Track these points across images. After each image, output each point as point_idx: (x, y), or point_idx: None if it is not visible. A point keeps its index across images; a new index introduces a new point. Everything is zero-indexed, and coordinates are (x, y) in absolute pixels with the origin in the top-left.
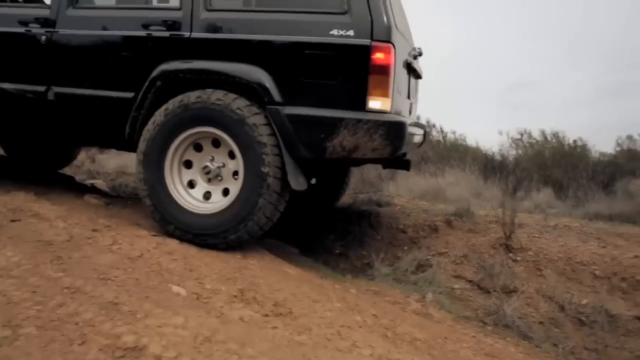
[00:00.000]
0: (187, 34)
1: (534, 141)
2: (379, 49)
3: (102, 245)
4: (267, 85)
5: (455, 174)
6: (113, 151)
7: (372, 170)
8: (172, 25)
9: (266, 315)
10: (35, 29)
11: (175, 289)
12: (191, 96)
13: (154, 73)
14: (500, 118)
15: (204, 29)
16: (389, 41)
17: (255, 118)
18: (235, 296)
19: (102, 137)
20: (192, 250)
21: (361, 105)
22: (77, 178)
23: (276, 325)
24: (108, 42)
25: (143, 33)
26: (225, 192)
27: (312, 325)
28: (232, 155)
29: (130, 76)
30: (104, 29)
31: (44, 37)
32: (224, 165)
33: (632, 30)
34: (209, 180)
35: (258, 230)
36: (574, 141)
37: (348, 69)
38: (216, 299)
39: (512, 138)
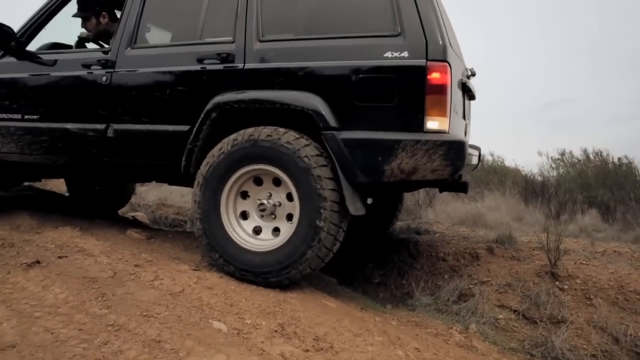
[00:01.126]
0: (240, 65)
1: (576, 160)
2: (435, 69)
3: (144, 281)
4: (322, 111)
5: (495, 198)
6: (153, 183)
7: (410, 197)
8: (226, 57)
9: (307, 351)
10: (97, 70)
11: (216, 324)
12: (262, 133)
13: (209, 105)
14: (540, 138)
15: (257, 59)
16: (444, 60)
17: (322, 170)
18: (276, 331)
19: (157, 171)
20: (232, 285)
21: (419, 126)
22: (120, 211)
23: None
24: (164, 78)
25: (198, 67)
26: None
27: None
28: (289, 198)
29: (186, 109)
30: (160, 65)
31: (104, 78)
32: (280, 205)
33: None
34: (262, 217)
35: (320, 263)
36: (619, 159)
37: (404, 90)
38: (257, 334)
39: (552, 158)
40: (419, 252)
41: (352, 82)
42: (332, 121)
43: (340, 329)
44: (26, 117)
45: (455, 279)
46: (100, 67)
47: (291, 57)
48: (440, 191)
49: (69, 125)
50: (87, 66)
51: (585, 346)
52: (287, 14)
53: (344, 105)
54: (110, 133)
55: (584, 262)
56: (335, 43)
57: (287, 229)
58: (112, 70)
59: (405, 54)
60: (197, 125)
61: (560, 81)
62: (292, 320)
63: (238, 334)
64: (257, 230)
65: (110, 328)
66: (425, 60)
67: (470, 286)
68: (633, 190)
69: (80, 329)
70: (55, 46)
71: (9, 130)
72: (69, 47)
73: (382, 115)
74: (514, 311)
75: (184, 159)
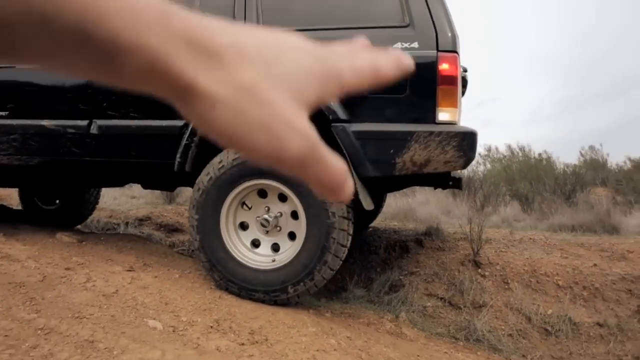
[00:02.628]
0: None
1: (502, 156)
2: (446, 60)
3: (76, 283)
4: (331, 103)
5: (426, 193)
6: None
7: None
8: None
9: (242, 344)
10: None
11: (152, 322)
12: None
13: None
14: None
15: None
16: (455, 51)
17: None
18: (212, 327)
19: (146, 171)
20: (167, 284)
21: (431, 118)
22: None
23: (252, 354)
24: None
25: None
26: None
27: (288, 351)
28: (294, 216)
29: None
30: None
31: None
32: (281, 215)
33: (586, 46)
34: (267, 232)
35: (331, 272)
36: (539, 154)
37: (415, 82)
38: (192, 330)
39: (479, 154)
40: (352, 246)
41: None
42: (341, 113)
43: (275, 322)
44: None
45: (386, 271)
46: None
47: None
48: (435, 188)
49: (45, 122)
50: None
51: (503, 327)
52: (289, 6)
53: (353, 98)
54: (93, 130)
55: (503, 250)
56: (343, 34)
57: (289, 247)
58: None
59: (416, 44)
60: None
61: (492, 81)
62: (228, 315)
63: (174, 331)
64: (256, 244)
65: (39, 332)
66: (436, 51)
67: (401, 277)
68: (549, 183)
69: (6, 335)
70: None
71: None
72: None
73: (393, 107)
74: (441, 299)
75: (178, 156)
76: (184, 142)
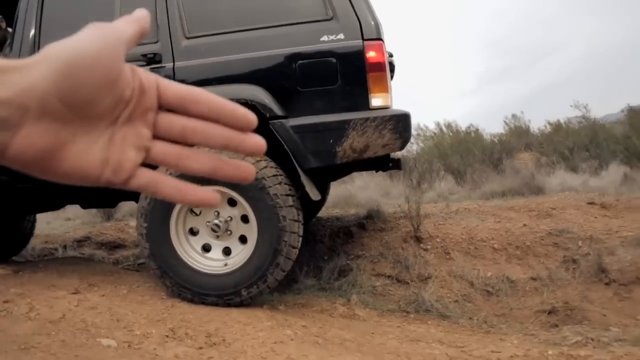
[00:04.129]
0: (169, 65)
1: (432, 134)
2: (372, 47)
3: (18, 314)
4: (266, 101)
5: (364, 178)
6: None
7: None
8: (153, 58)
9: (200, 348)
10: None
11: (105, 341)
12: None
13: None
14: None
15: (186, 56)
16: (379, 38)
17: (279, 189)
18: (167, 336)
19: (88, 190)
20: (116, 301)
21: (364, 105)
22: None
23: (212, 356)
24: None
25: None
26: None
27: (247, 347)
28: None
29: None
30: None
31: None
32: (230, 219)
33: (496, 22)
34: (217, 237)
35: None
36: (467, 128)
37: (345, 72)
38: (148, 342)
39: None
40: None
41: (292, 70)
42: (278, 110)
43: (230, 322)
44: None
45: (334, 258)
46: None
47: (225, 50)
48: (377, 171)
49: None
50: None
51: (448, 295)
52: (212, 7)
53: (287, 93)
54: None
55: (441, 222)
56: (269, 32)
57: (241, 250)
58: None
59: (342, 36)
60: None
61: (418, 64)
62: (182, 322)
63: (129, 346)
64: (207, 249)
65: None
66: (361, 41)
67: (348, 262)
68: (478, 154)
69: None
70: None
71: None
72: None
73: (327, 98)
74: (388, 277)
75: None
76: None
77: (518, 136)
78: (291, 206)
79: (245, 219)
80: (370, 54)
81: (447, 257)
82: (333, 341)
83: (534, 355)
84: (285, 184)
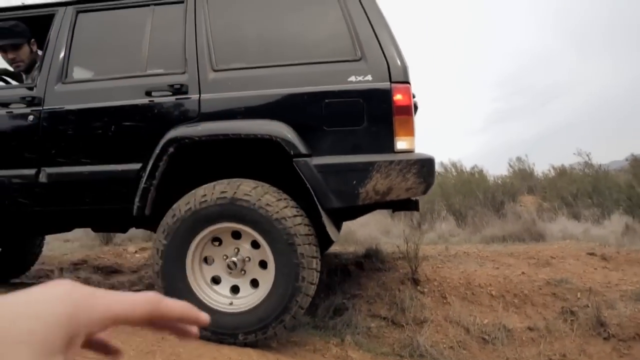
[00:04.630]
0: (195, 96)
1: (437, 173)
2: (400, 91)
3: None
4: (291, 139)
5: (365, 216)
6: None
7: None
8: (179, 89)
9: None
10: (20, 108)
11: None
12: (239, 191)
13: (165, 140)
14: None
15: (213, 89)
16: (407, 82)
17: (300, 229)
18: None
19: (102, 217)
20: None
21: (389, 147)
22: None
23: None
24: (108, 114)
25: (146, 100)
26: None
27: None
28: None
29: (136, 146)
30: (101, 100)
31: (30, 117)
32: (249, 259)
33: (504, 63)
34: (230, 274)
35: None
36: (471, 168)
37: (371, 114)
38: None
39: None
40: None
41: (318, 108)
42: (302, 148)
43: (220, 358)
44: None
45: (330, 296)
46: (24, 105)
47: (252, 85)
48: (394, 211)
49: None
50: (5, 105)
51: (444, 340)
52: (242, 41)
53: (312, 131)
54: (42, 178)
55: (439, 265)
56: (298, 70)
57: (249, 294)
58: (39, 108)
59: (369, 77)
60: (151, 162)
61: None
62: (172, 356)
63: None
64: (216, 280)
65: None
66: (389, 83)
67: (344, 301)
68: (478, 197)
69: None
70: None
71: None
72: None
73: (352, 139)
74: (384, 318)
75: (137, 200)
76: (142, 185)
77: (522, 179)
78: (310, 244)
79: (263, 265)
80: (397, 97)
81: (444, 301)
82: None
83: None
84: (305, 224)
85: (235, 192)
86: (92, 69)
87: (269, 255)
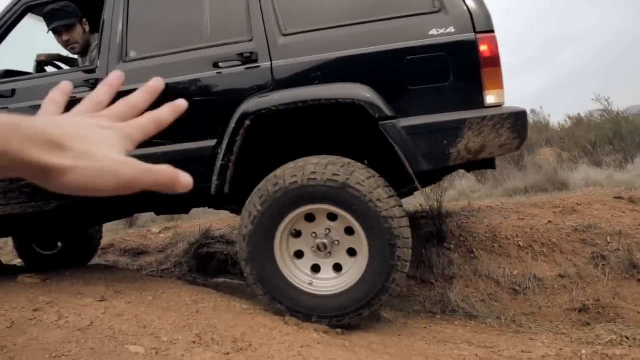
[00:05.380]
0: (266, 64)
1: None
2: (486, 41)
3: (47, 323)
4: (375, 101)
5: None
6: None
7: None
8: (249, 57)
9: (227, 354)
10: (85, 93)
11: (133, 348)
12: (327, 171)
13: (240, 112)
14: None
15: (284, 55)
16: (491, 30)
17: (395, 211)
18: (194, 342)
19: (175, 199)
20: (142, 308)
21: (479, 103)
22: (4, 260)
23: None
24: (175, 91)
25: (214, 72)
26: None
27: (274, 352)
28: (347, 232)
29: (209, 122)
30: (167, 77)
31: None
32: (338, 243)
33: (517, 16)
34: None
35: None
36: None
37: (458, 68)
38: (175, 349)
39: None
40: None
41: (400, 66)
42: (387, 110)
43: (256, 327)
44: None
45: None
46: (88, 89)
47: (326, 47)
48: (468, 170)
49: None
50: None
51: (475, 294)
52: (309, 2)
53: (396, 92)
54: None
55: (464, 221)
56: (373, 27)
57: (351, 267)
58: None
59: (452, 29)
60: (227, 137)
61: None
62: (208, 328)
63: (157, 352)
64: (315, 269)
65: None
66: (474, 34)
67: None
68: None
69: None
70: (10, 74)
71: None
72: (25, 75)
73: (439, 96)
74: (412, 277)
75: (215, 178)
76: (219, 163)
77: (538, 132)
78: (408, 248)
79: (351, 251)
80: (483, 48)
81: (472, 256)
82: (360, 344)
83: (566, 355)
84: (408, 227)
85: (348, 178)
86: (152, 44)
87: (363, 248)
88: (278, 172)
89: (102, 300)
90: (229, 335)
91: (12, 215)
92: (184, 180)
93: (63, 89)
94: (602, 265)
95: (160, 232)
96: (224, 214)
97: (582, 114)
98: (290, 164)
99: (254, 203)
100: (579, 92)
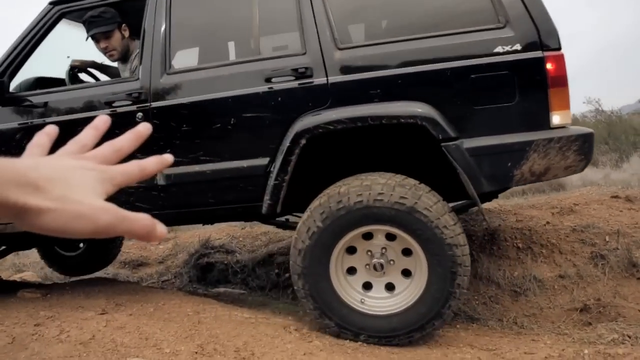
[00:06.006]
0: (322, 80)
1: None
2: (552, 59)
3: (49, 337)
4: (438, 121)
5: None
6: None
7: None
8: (304, 72)
9: None
10: (125, 106)
11: None
12: (395, 194)
13: (296, 130)
14: None
15: (340, 71)
16: (559, 48)
17: (458, 239)
18: (196, 352)
19: (224, 216)
20: (143, 320)
21: (545, 123)
22: (3, 276)
23: None
24: (225, 107)
25: (266, 87)
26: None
27: None
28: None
29: (261, 139)
30: (215, 91)
31: (139, 115)
32: (393, 262)
33: None
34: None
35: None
36: None
37: (523, 87)
38: None
39: None
40: None
41: (464, 85)
42: (450, 130)
43: (258, 336)
44: None
45: None
46: (130, 102)
47: (386, 63)
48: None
49: None
50: (109, 103)
51: (476, 297)
52: (367, 14)
53: (459, 112)
54: (160, 180)
55: (463, 224)
56: (436, 43)
57: (405, 288)
58: (146, 105)
59: (518, 46)
60: (281, 156)
61: None
62: (211, 338)
63: None
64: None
65: None
66: (541, 52)
67: None
68: None
69: None
70: (42, 83)
71: None
72: (58, 82)
73: (504, 117)
74: None
75: (267, 198)
76: (272, 182)
77: None
78: (467, 276)
79: (405, 272)
80: (551, 66)
81: (471, 259)
82: (362, 350)
83: (569, 356)
84: (469, 255)
85: (416, 202)
86: (197, 55)
87: (422, 272)
88: (342, 189)
89: (103, 313)
90: (231, 344)
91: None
92: (160, 231)
93: (49, 133)
94: (602, 264)
95: (159, 243)
96: (223, 224)
97: (577, 115)
98: (356, 182)
99: (314, 219)
100: (573, 93)
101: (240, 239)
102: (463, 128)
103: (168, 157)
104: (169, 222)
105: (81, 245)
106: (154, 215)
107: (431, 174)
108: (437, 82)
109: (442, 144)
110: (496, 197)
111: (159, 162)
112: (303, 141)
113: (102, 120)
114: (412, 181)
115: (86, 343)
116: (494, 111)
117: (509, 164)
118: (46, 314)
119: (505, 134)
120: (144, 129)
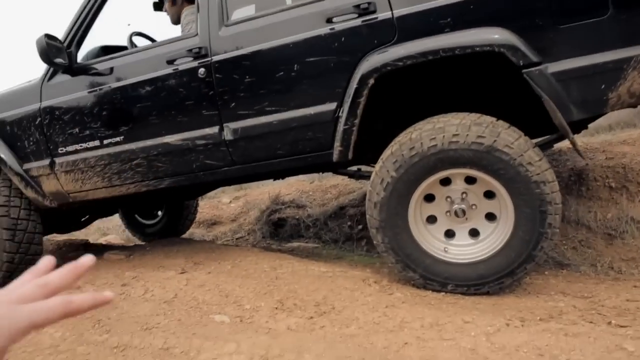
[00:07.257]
0: (386, 15)
1: None
2: None
3: (135, 297)
4: (518, 46)
5: None
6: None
7: None
8: (366, 8)
9: (311, 318)
10: (187, 63)
11: (218, 317)
12: (471, 133)
13: (363, 71)
14: None
15: (407, 2)
16: None
17: (546, 175)
18: (276, 308)
19: (295, 166)
20: (222, 277)
21: None
22: (90, 239)
23: (324, 325)
24: (287, 53)
25: (327, 28)
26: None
27: (358, 314)
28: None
29: (326, 84)
30: (276, 37)
31: (201, 71)
32: (475, 207)
33: None
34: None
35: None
36: None
37: None
38: (259, 315)
39: None
40: None
41: (545, 2)
42: (532, 55)
43: (337, 289)
44: (106, 141)
45: None
46: (191, 59)
47: None
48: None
49: (168, 139)
50: (170, 62)
51: (564, 242)
52: None
53: (540, 34)
54: (227, 135)
55: None
56: None
57: (490, 233)
58: (207, 60)
59: None
60: (350, 99)
61: None
62: (289, 293)
63: (241, 320)
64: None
65: (115, 350)
66: None
67: None
68: None
69: (86, 359)
70: (106, 51)
71: (88, 162)
72: (120, 49)
73: (594, 34)
74: None
75: (337, 144)
76: (341, 127)
77: None
78: (559, 214)
79: (489, 215)
80: None
81: None
82: (447, 300)
83: None
84: (559, 191)
85: (495, 140)
86: (255, 3)
87: (508, 214)
88: (414, 134)
89: (183, 272)
90: (310, 299)
91: (125, 195)
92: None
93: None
94: None
95: (230, 201)
96: (292, 179)
97: None
98: (427, 125)
99: (387, 169)
100: None
101: (310, 193)
102: (547, 51)
103: (87, 260)
104: (240, 178)
105: (159, 213)
106: (222, 173)
107: (511, 111)
108: (514, 2)
109: (524, 70)
110: (586, 127)
111: (93, 298)
112: (371, 81)
113: (44, 263)
114: (489, 118)
115: (170, 301)
116: (581, 29)
117: (603, 86)
118: (131, 274)
119: (597, 52)
120: (88, 260)
